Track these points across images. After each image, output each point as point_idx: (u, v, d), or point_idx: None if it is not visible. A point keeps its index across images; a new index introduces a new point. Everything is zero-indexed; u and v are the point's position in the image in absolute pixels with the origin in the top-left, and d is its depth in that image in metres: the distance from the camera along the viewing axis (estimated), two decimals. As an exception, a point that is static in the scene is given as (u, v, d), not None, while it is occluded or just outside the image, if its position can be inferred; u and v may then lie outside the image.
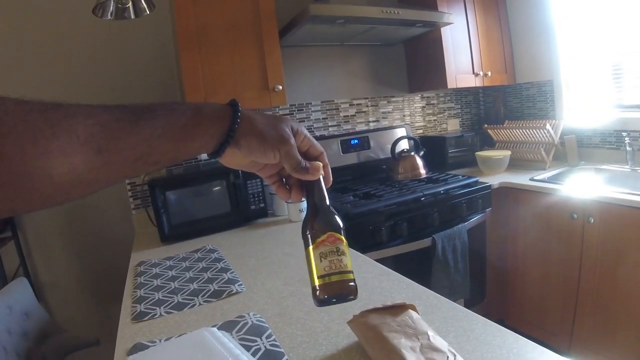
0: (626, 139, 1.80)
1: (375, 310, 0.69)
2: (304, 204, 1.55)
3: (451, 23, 1.95)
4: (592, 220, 1.53)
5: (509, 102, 2.50)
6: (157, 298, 1.00)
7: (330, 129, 2.19)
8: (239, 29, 1.61)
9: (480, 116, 2.70)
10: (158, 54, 1.85)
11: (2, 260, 1.63)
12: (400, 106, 2.41)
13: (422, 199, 1.67)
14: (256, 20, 1.63)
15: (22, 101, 0.31)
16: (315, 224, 0.48)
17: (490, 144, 2.36)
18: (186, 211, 1.55)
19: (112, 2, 1.23)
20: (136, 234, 1.73)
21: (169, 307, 0.95)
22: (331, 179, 0.52)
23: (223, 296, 0.98)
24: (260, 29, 1.63)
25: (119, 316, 0.94)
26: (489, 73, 2.21)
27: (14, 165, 0.30)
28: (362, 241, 1.50)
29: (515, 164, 2.15)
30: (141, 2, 1.27)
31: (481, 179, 1.91)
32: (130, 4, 1.26)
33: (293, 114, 2.09)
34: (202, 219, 1.57)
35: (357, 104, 2.26)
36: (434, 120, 2.54)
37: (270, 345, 0.72)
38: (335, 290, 0.46)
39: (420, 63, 2.27)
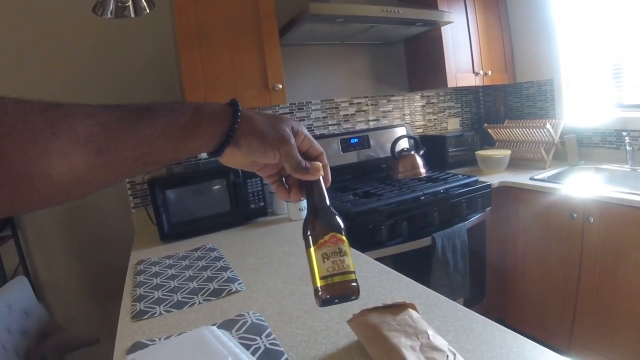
0: (626, 138, 1.80)
1: (375, 309, 0.69)
2: (303, 203, 1.55)
3: (451, 22, 1.94)
4: (592, 220, 1.53)
5: (509, 101, 2.50)
6: (156, 297, 1.01)
7: (330, 127, 2.19)
8: (239, 27, 1.61)
9: (480, 115, 2.70)
10: (158, 52, 1.84)
11: (1, 259, 1.63)
12: (401, 105, 2.40)
13: (422, 198, 1.67)
14: (256, 19, 1.62)
15: (22, 101, 0.31)
16: (317, 225, 0.48)
17: (490, 143, 2.36)
18: (186, 210, 1.55)
19: (112, 1, 1.22)
20: (136, 233, 1.73)
21: (168, 305, 0.95)
22: (330, 179, 0.52)
23: (223, 295, 0.98)
24: (260, 27, 1.63)
25: (119, 315, 0.95)
26: (489, 72, 2.21)
27: (14, 165, 0.30)
28: (362, 240, 1.50)
29: (515, 164, 2.15)
30: (141, 0, 1.27)
31: (481, 178, 1.91)
32: (130, 3, 1.25)
33: (293, 112, 2.09)
34: (202, 217, 1.57)
35: (357, 103, 2.26)
36: (434, 119, 2.54)
37: (270, 344, 0.72)
38: (338, 290, 0.46)
39: (420, 62, 2.26)
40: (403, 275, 0.97)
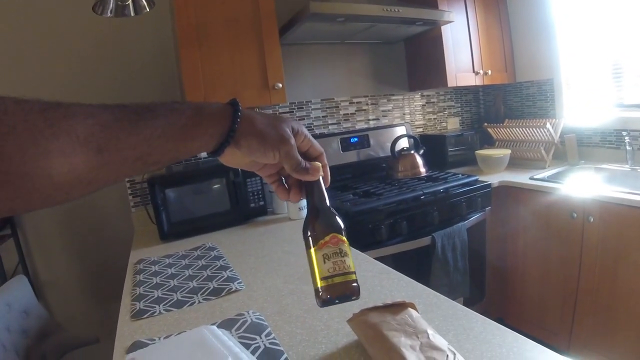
0: (626, 138, 1.80)
1: (375, 308, 0.69)
2: (303, 202, 1.55)
3: (451, 21, 1.94)
4: (592, 220, 1.54)
5: (509, 100, 2.50)
6: (156, 296, 1.01)
7: (330, 127, 2.19)
8: (239, 26, 1.60)
9: (480, 115, 2.70)
10: (158, 52, 1.84)
11: (1, 258, 1.63)
12: (400, 104, 2.40)
13: (422, 197, 1.67)
14: (256, 18, 1.62)
15: (22, 100, 0.31)
16: (317, 226, 0.48)
17: (490, 142, 2.36)
18: (186, 209, 1.55)
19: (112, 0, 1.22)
20: (135, 232, 1.73)
21: (168, 304, 0.95)
22: (329, 179, 0.52)
23: (222, 294, 0.98)
24: (260, 27, 1.63)
25: (119, 314, 0.95)
26: (489, 71, 2.21)
27: (13, 165, 0.30)
28: (362, 239, 1.50)
29: (515, 163, 2.15)
30: (141, -1, 1.26)
31: (481, 178, 1.91)
32: (130, 1, 1.25)
33: (293, 112, 2.09)
34: (202, 216, 1.57)
35: (357, 102, 2.26)
36: (434, 118, 2.54)
37: (270, 343, 0.72)
38: (339, 291, 0.46)
39: (420, 61, 2.26)
40: (403, 275, 0.97)
